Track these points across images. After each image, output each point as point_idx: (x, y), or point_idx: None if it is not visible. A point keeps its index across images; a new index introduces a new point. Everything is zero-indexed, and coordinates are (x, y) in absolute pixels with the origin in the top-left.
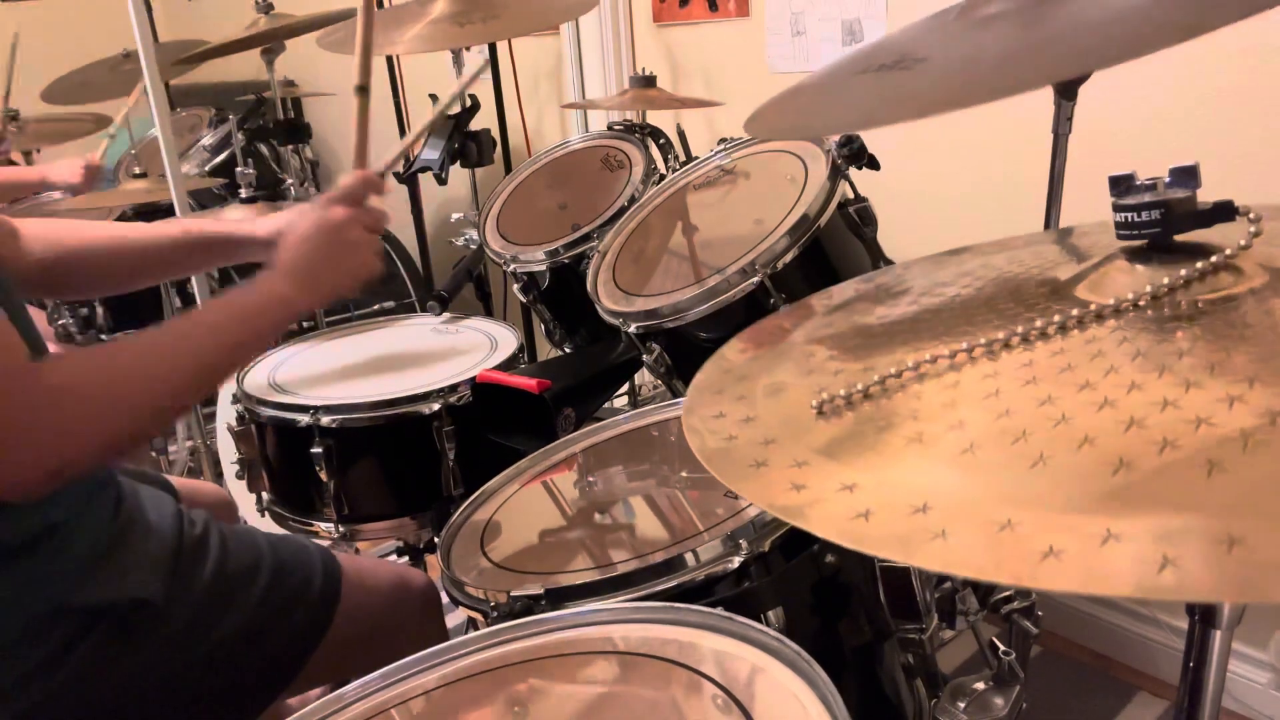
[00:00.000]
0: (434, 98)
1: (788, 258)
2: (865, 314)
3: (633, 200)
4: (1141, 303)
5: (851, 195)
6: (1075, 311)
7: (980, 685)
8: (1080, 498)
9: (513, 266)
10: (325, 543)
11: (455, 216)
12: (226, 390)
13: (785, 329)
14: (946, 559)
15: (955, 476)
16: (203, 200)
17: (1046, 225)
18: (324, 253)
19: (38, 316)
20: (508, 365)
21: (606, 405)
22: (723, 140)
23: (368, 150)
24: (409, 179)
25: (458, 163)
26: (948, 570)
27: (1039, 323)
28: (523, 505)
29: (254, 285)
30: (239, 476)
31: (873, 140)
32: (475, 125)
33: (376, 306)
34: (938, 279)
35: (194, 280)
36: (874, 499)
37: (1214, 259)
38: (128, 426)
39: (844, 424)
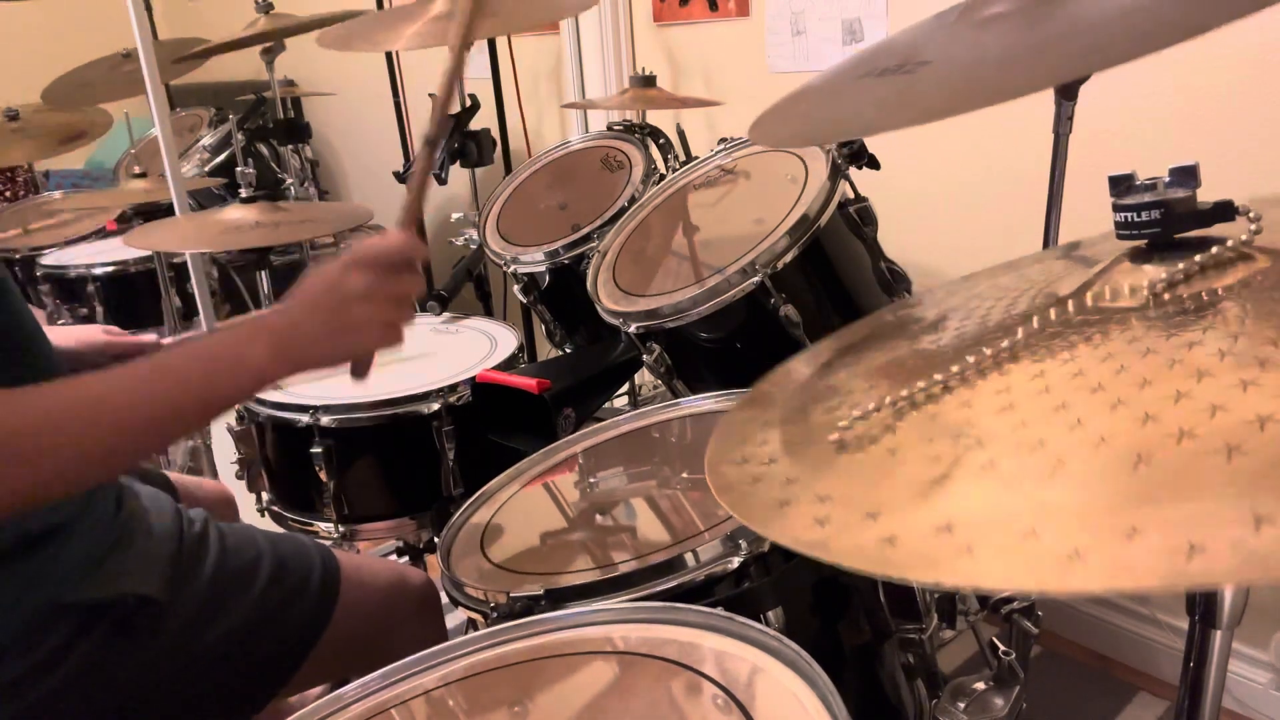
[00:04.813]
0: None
1: (788, 257)
2: (880, 350)
3: (633, 200)
4: (1145, 301)
5: (852, 195)
6: (1080, 318)
7: (980, 685)
8: (1102, 497)
9: (513, 267)
10: (325, 543)
11: (455, 216)
12: None
13: (800, 372)
14: (975, 574)
15: (977, 493)
16: (203, 200)
17: (1047, 225)
18: (321, 326)
19: (39, 317)
20: (508, 365)
21: (606, 405)
22: (723, 140)
23: (422, 209)
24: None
25: (458, 163)
26: (979, 587)
27: (1047, 333)
28: (523, 506)
29: (229, 341)
30: (238, 476)
31: (873, 140)
32: (475, 125)
33: None
34: (950, 305)
35: (193, 280)
36: (897, 524)
37: (1214, 250)
38: (74, 465)
39: (863, 456)
